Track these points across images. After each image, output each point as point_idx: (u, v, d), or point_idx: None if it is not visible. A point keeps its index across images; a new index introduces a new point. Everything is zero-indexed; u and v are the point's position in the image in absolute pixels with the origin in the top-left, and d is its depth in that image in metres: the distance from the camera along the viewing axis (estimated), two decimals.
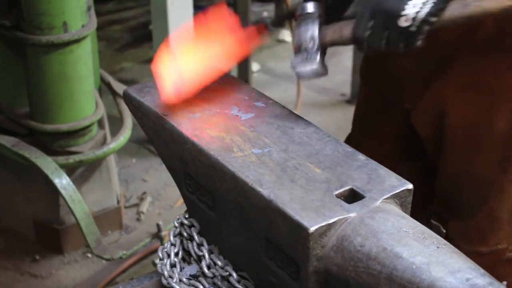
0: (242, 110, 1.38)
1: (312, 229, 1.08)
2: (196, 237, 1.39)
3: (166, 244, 1.43)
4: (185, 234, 1.41)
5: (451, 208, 1.70)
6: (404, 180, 1.19)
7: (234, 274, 1.31)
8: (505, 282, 1.03)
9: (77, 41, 2.61)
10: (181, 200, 3.14)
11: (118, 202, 3.10)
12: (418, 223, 1.12)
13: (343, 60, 4.41)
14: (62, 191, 2.56)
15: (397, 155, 1.79)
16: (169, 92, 1.34)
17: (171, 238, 1.42)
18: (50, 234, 2.95)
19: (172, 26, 3.42)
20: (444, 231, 1.84)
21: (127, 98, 1.46)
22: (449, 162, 1.65)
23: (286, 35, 4.90)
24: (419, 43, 1.32)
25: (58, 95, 2.68)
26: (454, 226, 1.69)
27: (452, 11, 1.32)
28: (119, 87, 3.14)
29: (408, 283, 1.02)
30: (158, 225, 2.93)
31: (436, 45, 1.52)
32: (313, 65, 1.39)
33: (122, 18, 5.24)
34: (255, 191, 1.17)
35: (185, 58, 1.38)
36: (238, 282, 1.30)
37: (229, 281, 1.32)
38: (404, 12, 1.29)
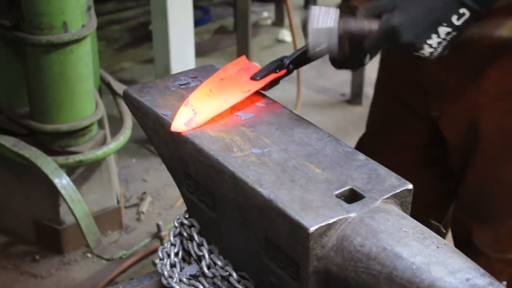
0: (242, 110, 1.38)
1: (312, 229, 1.08)
2: (196, 237, 1.39)
3: (166, 244, 1.42)
4: (185, 234, 1.41)
5: (478, 215, 1.68)
6: (404, 180, 1.19)
7: (234, 274, 1.31)
8: (505, 282, 1.02)
9: (77, 41, 2.61)
10: (181, 200, 3.14)
11: (118, 202, 3.10)
12: (418, 223, 1.12)
13: None
14: (62, 191, 2.56)
15: (414, 162, 1.78)
16: (180, 124, 1.32)
17: (171, 238, 1.42)
18: (50, 234, 2.95)
19: (172, 26, 3.42)
20: (444, 230, 1.84)
21: (127, 98, 1.46)
22: (480, 169, 1.63)
23: (286, 35, 4.91)
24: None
25: (58, 95, 2.68)
26: (481, 233, 1.68)
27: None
28: (119, 87, 3.14)
29: (408, 283, 1.02)
30: (158, 225, 2.93)
31: (472, 51, 1.50)
32: (331, 23, 1.33)
33: (122, 18, 5.24)
34: (255, 191, 1.17)
35: (201, 98, 1.37)
36: (238, 282, 1.30)
37: (229, 281, 1.32)
38: (421, 51, 1.29)
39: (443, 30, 1.27)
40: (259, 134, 1.30)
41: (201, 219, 1.38)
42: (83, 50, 2.67)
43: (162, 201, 3.33)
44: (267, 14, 5.39)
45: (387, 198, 1.15)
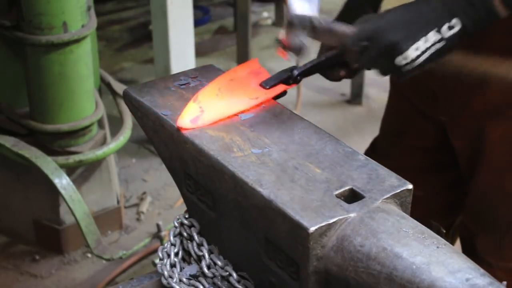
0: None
1: (312, 229, 1.08)
2: (196, 237, 1.39)
3: (166, 244, 1.42)
4: (185, 234, 1.41)
5: (482, 222, 1.68)
6: (404, 180, 1.19)
7: (234, 274, 1.31)
8: (505, 282, 1.02)
9: (77, 41, 2.61)
10: (181, 200, 3.14)
11: (118, 202, 3.10)
12: (418, 223, 1.12)
13: None
14: (62, 191, 2.56)
15: (424, 167, 1.77)
16: (186, 121, 1.33)
17: (171, 238, 1.42)
18: (50, 234, 2.95)
19: (172, 26, 3.42)
20: (444, 230, 1.83)
21: (127, 98, 1.46)
22: (485, 177, 1.63)
23: None
24: (404, 79, 1.30)
25: (58, 95, 2.68)
26: (485, 241, 1.68)
27: (453, 61, 1.31)
28: (119, 87, 3.14)
29: (408, 283, 1.02)
30: (158, 225, 2.93)
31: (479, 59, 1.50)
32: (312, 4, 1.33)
33: (122, 18, 5.24)
34: (255, 191, 1.17)
35: (209, 96, 1.37)
36: (238, 282, 1.30)
37: (229, 281, 1.32)
38: (405, 53, 1.25)
39: (432, 36, 1.25)
40: (259, 134, 1.30)
41: (201, 219, 1.38)
42: (83, 50, 2.67)
43: (162, 201, 3.33)
44: (267, 14, 5.39)
45: (387, 198, 1.15)
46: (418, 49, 1.25)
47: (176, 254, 1.40)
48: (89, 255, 2.95)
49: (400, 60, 1.25)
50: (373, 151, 1.87)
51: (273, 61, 4.79)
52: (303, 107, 4.00)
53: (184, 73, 1.51)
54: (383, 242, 1.07)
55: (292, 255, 1.14)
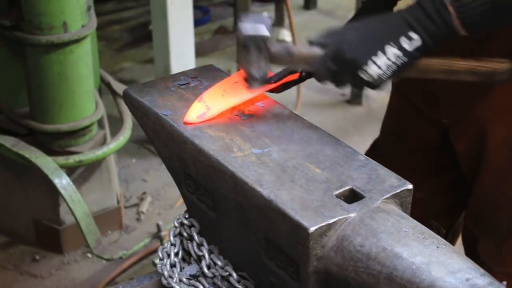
0: (242, 110, 1.38)
1: (312, 229, 1.08)
2: (196, 237, 1.39)
3: (166, 244, 1.43)
4: (185, 234, 1.41)
5: (483, 226, 1.68)
6: (404, 180, 1.19)
7: (234, 274, 1.31)
8: (505, 282, 1.02)
9: (77, 41, 2.61)
10: (181, 200, 3.14)
11: (118, 202, 3.10)
12: (418, 223, 1.12)
13: None
14: (62, 191, 2.56)
15: (425, 169, 1.77)
16: (193, 117, 1.34)
17: (171, 238, 1.42)
18: (50, 234, 2.94)
19: (172, 26, 3.42)
20: (444, 230, 1.83)
21: (127, 98, 1.46)
22: (486, 182, 1.62)
23: (286, 35, 4.90)
24: (380, 88, 1.31)
25: (58, 95, 2.68)
26: (486, 245, 1.67)
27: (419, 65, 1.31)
28: (119, 87, 3.14)
29: (408, 283, 1.02)
30: (158, 225, 2.93)
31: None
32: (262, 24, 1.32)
33: (122, 18, 5.24)
34: (255, 191, 1.17)
35: (214, 96, 1.38)
36: (238, 282, 1.30)
37: (229, 281, 1.32)
38: (366, 68, 1.27)
39: (392, 51, 1.26)
40: (259, 134, 1.30)
41: (201, 219, 1.38)
42: (83, 50, 2.67)
43: (162, 201, 3.33)
44: (267, 14, 5.38)
45: (387, 198, 1.15)
46: (380, 66, 1.26)
47: (176, 254, 1.40)
48: (89, 255, 2.95)
49: (364, 76, 1.27)
50: (373, 152, 1.87)
51: None
52: (303, 107, 3.99)
53: (184, 73, 1.51)
54: (383, 242, 1.07)
55: (292, 255, 1.14)
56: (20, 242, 3.01)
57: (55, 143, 2.77)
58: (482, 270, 1.02)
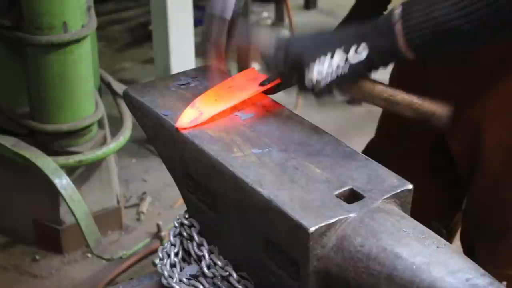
0: (242, 110, 1.38)
1: (312, 229, 1.08)
2: (196, 237, 1.39)
3: (166, 244, 1.42)
4: (185, 234, 1.41)
5: (479, 228, 1.68)
6: (404, 180, 1.19)
7: (234, 274, 1.31)
8: (504, 282, 1.03)
9: (77, 41, 2.61)
10: (181, 200, 3.13)
11: (118, 202, 3.10)
12: (418, 223, 1.12)
13: None
14: (62, 191, 2.56)
15: (421, 170, 1.76)
16: (185, 121, 1.33)
17: (171, 238, 1.42)
18: (50, 234, 2.94)
19: (172, 26, 3.42)
20: (445, 230, 1.83)
21: (127, 98, 1.46)
22: (482, 185, 1.62)
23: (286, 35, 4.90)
24: (327, 99, 1.32)
25: (58, 95, 2.68)
26: (482, 247, 1.67)
27: (365, 89, 1.31)
28: (119, 87, 3.14)
29: (408, 283, 1.02)
30: (158, 225, 2.93)
31: (474, 67, 1.49)
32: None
33: (122, 18, 5.24)
34: (255, 191, 1.17)
35: (207, 102, 1.38)
36: (238, 282, 1.30)
37: (229, 281, 1.32)
38: (308, 69, 1.27)
39: (335, 59, 1.25)
40: (259, 134, 1.30)
41: (201, 219, 1.38)
42: (83, 50, 2.67)
43: (162, 201, 3.33)
44: (267, 14, 5.38)
45: (387, 198, 1.15)
46: (320, 73, 1.27)
47: (176, 254, 1.40)
48: (89, 255, 2.95)
49: (308, 81, 1.28)
50: (368, 153, 1.87)
51: None
52: (303, 107, 3.99)
53: (184, 73, 1.51)
54: (383, 242, 1.07)
55: (292, 255, 1.14)
56: (20, 242, 3.01)
57: (55, 143, 2.77)
58: (482, 270, 1.02)
